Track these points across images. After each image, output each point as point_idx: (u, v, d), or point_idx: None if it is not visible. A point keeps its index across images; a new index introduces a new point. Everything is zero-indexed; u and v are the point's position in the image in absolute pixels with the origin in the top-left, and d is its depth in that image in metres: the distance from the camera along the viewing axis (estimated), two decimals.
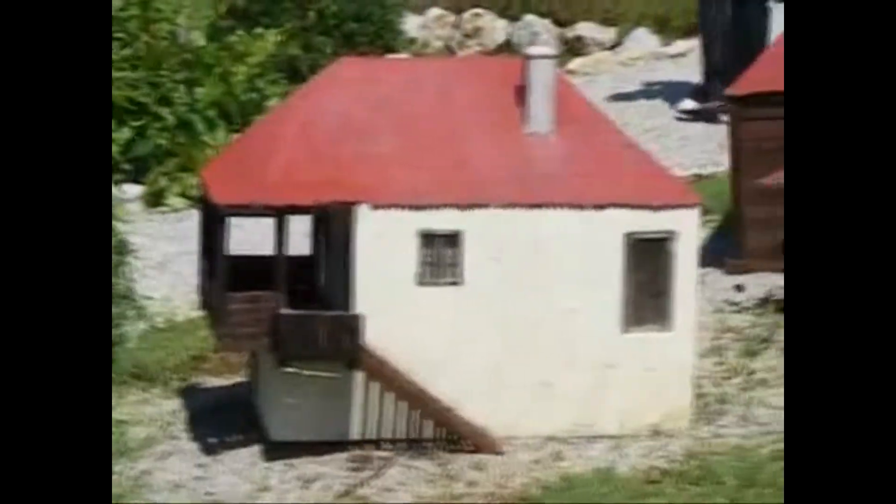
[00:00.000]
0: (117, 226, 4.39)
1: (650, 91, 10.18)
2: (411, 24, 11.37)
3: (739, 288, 5.63)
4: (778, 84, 8.93)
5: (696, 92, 8.95)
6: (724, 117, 11.56)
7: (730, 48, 10.21)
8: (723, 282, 5.16)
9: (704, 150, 6.81)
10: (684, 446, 4.43)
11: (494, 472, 3.81)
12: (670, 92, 9.72)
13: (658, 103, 9.15)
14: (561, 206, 4.20)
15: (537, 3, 10.58)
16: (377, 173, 4.16)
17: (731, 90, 8.07)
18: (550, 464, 4.01)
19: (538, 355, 4.24)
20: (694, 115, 9.03)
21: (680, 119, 8.54)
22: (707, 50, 9.77)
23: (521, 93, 4.27)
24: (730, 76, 10.99)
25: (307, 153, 4.34)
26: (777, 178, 6.23)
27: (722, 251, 5.74)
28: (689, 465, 4.75)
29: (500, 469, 3.81)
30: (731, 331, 5.08)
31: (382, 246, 4.25)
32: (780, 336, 7.72)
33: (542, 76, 4.16)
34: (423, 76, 5.54)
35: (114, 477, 5.14)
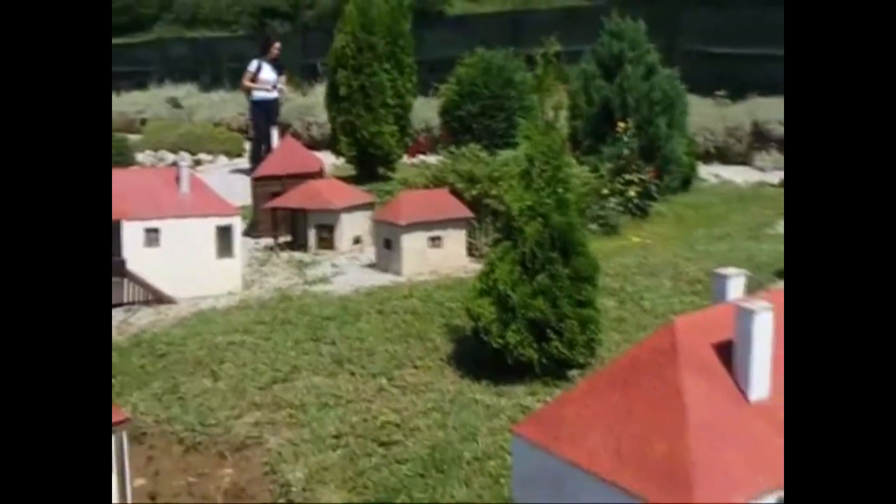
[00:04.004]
0: None
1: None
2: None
3: (256, 241, 9.92)
4: (274, 170, 10.62)
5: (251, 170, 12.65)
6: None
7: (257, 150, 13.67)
8: (249, 242, 9.63)
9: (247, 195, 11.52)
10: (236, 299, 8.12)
11: (174, 309, 7.45)
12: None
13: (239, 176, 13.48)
14: (191, 216, 8.51)
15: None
16: (128, 209, 7.77)
17: (254, 174, 11.05)
18: (193, 306, 7.74)
19: (188, 263, 8.00)
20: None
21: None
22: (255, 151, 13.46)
23: (175, 179, 8.40)
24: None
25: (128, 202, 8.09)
26: (270, 204, 9.92)
27: (249, 230, 10.23)
28: (244, 302, 7.50)
29: (176, 308, 7.57)
30: (254, 258, 9.38)
31: (130, 234, 8.04)
32: (277, 257, 9.31)
33: (184, 173, 8.85)
34: (143, 175, 9.28)
35: None
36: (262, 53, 14.50)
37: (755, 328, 2.78)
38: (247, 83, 14.37)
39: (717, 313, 2.97)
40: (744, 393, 2.80)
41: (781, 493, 2.64)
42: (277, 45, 14.68)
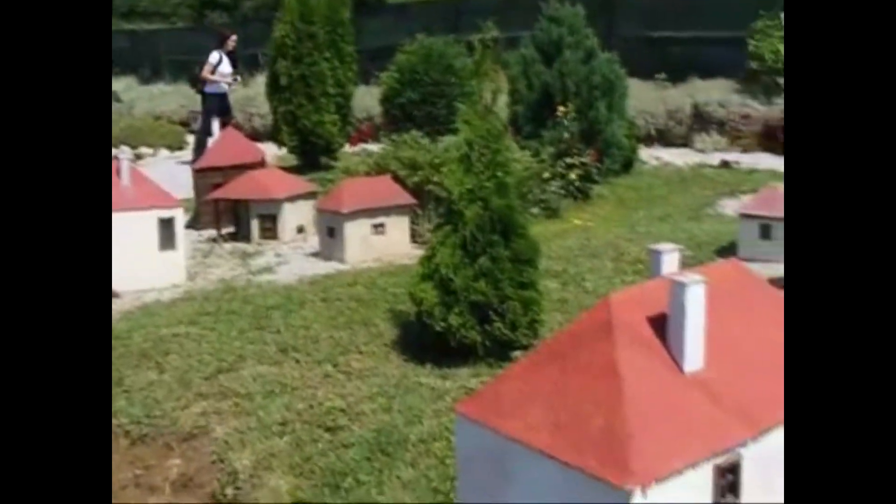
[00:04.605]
0: None
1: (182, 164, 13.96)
2: None
3: (199, 233, 9.91)
4: (216, 162, 10.48)
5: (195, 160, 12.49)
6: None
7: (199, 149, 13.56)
8: (192, 234, 9.46)
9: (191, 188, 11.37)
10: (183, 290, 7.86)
11: (117, 302, 7.16)
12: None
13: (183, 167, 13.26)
14: (132, 209, 8.27)
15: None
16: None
17: (195, 165, 10.98)
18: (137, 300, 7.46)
19: (130, 256, 7.59)
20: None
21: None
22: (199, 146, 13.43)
23: (115, 172, 8.21)
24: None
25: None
26: (212, 195, 9.80)
27: (192, 222, 10.03)
28: (188, 294, 7.44)
29: (119, 302, 7.28)
30: (198, 249, 9.23)
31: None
32: (220, 248, 9.21)
33: (124, 166, 8.58)
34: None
35: None
36: (219, 46, 14.32)
37: (688, 301, 2.83)
38: (207, 75, 14.22)
39: (652, 288, 3.03)
40: (678, 364, 2.86)
41: (717, 462, 2.70)
42: (234, 37, 14.54)
